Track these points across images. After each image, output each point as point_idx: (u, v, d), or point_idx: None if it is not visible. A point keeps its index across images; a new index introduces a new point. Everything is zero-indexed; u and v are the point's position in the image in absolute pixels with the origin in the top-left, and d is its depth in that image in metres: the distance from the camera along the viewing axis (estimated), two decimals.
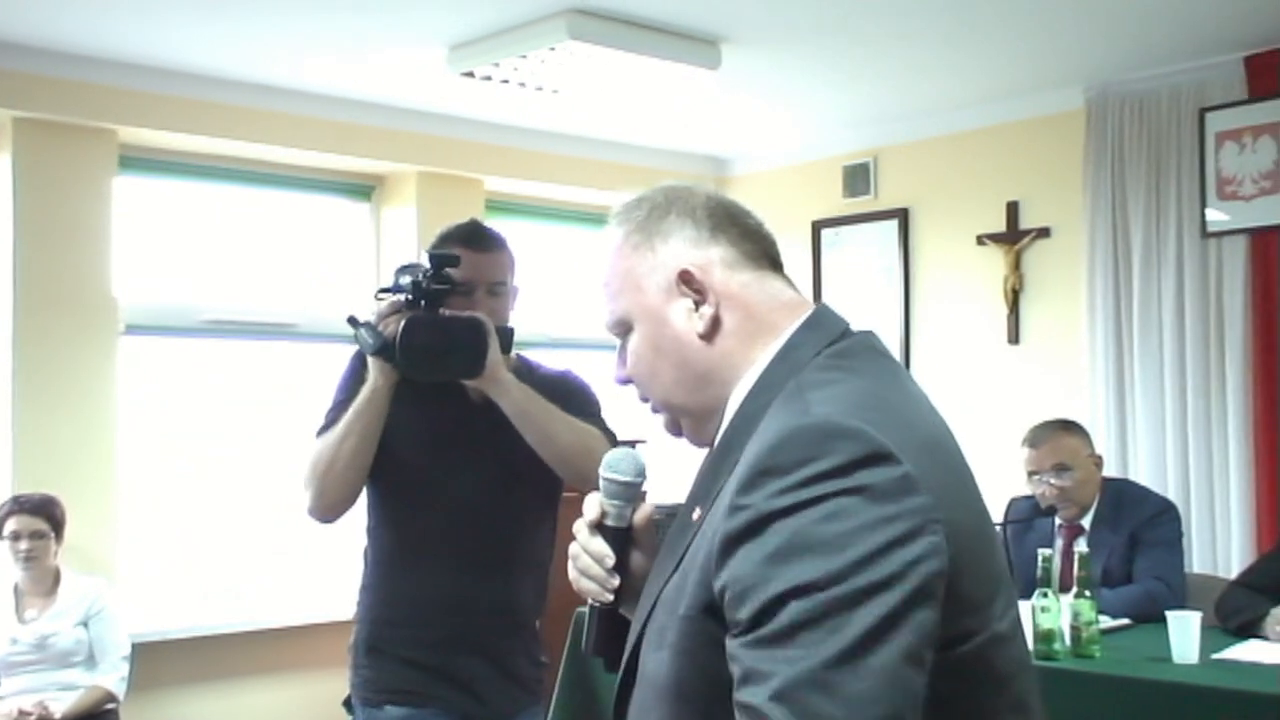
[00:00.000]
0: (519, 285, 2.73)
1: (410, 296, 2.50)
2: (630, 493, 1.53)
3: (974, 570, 1.27)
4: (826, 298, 6.22)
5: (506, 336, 2.57)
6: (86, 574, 4.58)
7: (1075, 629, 3.16)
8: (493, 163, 5.88)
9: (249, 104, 5.16)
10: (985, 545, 1.33)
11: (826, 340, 1.39)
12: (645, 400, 1.50)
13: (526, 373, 2.66)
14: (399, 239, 5.78)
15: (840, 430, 1.22)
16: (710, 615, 1.26)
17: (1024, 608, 3.28)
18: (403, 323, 2.46)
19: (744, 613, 1.20)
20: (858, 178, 6.13)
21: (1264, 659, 3.04)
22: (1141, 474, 4.96)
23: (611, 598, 1.51)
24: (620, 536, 1.53)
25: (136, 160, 5.15)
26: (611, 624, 1.51)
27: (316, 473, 2.58)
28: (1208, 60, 4.96)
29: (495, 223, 5.98)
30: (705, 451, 1.48)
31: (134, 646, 4.57)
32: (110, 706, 4.42)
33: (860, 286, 6.14)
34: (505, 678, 2.65)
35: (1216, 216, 4.97)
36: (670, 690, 1.30)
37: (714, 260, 1.43)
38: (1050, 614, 3.15)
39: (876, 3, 4.32)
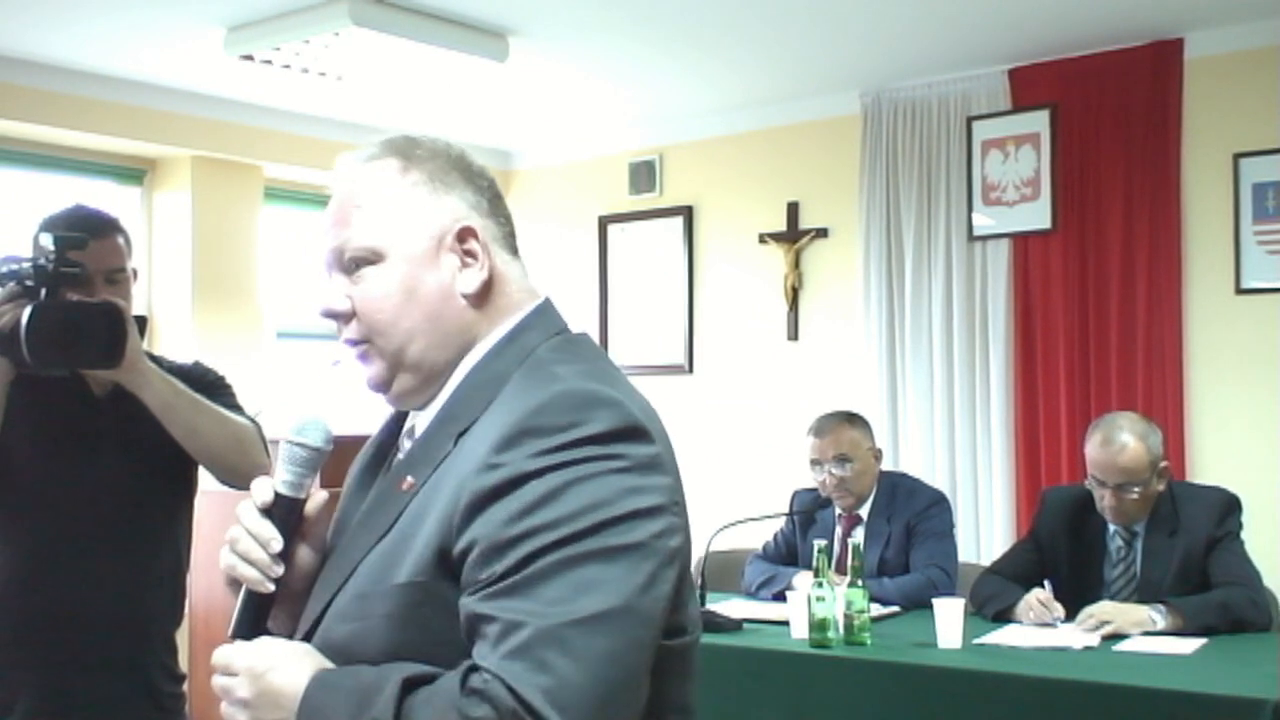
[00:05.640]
0: (137, 268, 2.54)
1: (31, 283, 2.21)
2: (317, 460, 1.42)
3: (686, 572, 1.33)
4: (613, 293, 6.27)
5: (141, 325, 2.35)
6: None
7: (848, 617, 3.26)
8: (272, 149, 5.73)
9: (12, 80, 4.89)
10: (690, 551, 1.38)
11: (554, 330, 1.43)
12: (356, 343, 1.41)
13: (157, 364, 2.41)
14: (172, 225, 5.58)
15: (602, 399, 1.27)
16: (443, 578, 1.25)
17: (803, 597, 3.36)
18: (27, 310, 2.17)
19: (489, 569, 1.20)
20: (643, 175, 6.19)
21: (1019, 643, 3.20)
22: (912, 466, 5.15)
23: (272, 588, 1.38)
24: (294, 510, 1.40)
25: None
26: (263, 612, 1.40)
27: None
28: (974, 71, 5.19)
29: (274, 210, 5.93)
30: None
31: None
32: None
33: (646, 282, 6.20)
34: (143, 697, 2.44)
35: (982, 221, 5.21)
36: (387, 659, 1.26)
37: (489, 231, 1.43)
38: (825, 603, 3.24)
39: (662, 4, 4.37)
